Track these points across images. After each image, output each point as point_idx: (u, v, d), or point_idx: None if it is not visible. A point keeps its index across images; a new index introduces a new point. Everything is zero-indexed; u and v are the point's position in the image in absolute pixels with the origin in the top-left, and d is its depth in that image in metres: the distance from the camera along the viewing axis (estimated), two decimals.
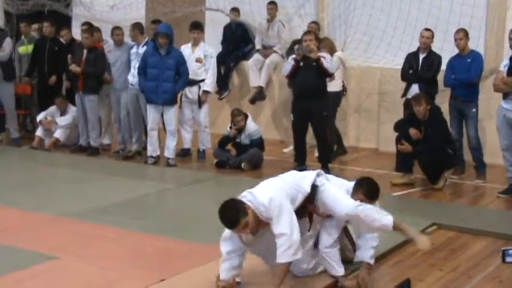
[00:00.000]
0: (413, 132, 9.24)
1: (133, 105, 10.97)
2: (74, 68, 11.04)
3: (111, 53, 11.29)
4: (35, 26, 13.14)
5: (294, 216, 5.09)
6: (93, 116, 11.28)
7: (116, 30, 11.29)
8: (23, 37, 12.87)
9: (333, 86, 10.66)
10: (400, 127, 9.53)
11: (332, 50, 10.89)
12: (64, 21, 14.21)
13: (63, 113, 11.70)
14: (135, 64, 10.73)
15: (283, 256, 5.02)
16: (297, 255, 5.06)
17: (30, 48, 12.49)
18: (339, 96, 11.14)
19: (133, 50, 10.92)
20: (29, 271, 5.71)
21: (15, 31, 14.83)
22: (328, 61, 9.65)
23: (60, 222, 7.23)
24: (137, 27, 11.08)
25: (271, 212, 5.00)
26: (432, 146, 9.08)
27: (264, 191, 5.13)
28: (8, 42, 11.90)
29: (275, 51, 12.71)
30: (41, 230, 6.98)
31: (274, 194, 5.09)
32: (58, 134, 11.68)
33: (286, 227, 5.00)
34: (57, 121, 11.70)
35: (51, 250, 6.24)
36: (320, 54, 9.64)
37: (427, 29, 10.38)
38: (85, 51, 11.10)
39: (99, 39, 11.61)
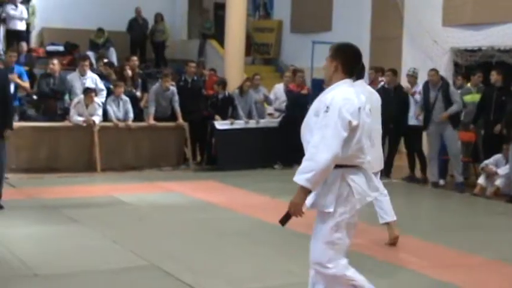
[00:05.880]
0: None
1: None
2: None
3: None
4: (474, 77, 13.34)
5: None
6: None
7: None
8: (469, 85, 13.22)
9: None
10: None
11: None
12: None
13: (507, 161, 11.62)
14: None
15: None
16: None
17: (477, 97, 12.77)
18: None
19: None
20: None
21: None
22: None
23: (496, 266, 7.40)
24: None
25: None
26: None
27: None
28: (454, 92, 12.38)
29: None
30: (476, 271, 7.21)
31: None
32: (499, 182, 11.69)
33: None
34: (498, 170, 11.68)
35: None
36: None
37: None
38: None
39: None
